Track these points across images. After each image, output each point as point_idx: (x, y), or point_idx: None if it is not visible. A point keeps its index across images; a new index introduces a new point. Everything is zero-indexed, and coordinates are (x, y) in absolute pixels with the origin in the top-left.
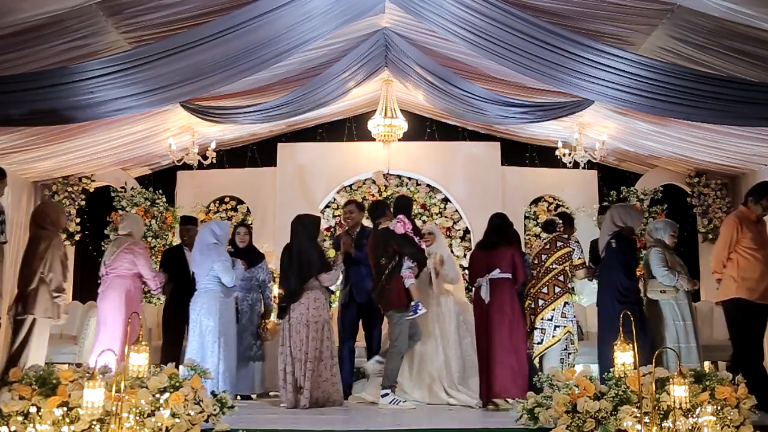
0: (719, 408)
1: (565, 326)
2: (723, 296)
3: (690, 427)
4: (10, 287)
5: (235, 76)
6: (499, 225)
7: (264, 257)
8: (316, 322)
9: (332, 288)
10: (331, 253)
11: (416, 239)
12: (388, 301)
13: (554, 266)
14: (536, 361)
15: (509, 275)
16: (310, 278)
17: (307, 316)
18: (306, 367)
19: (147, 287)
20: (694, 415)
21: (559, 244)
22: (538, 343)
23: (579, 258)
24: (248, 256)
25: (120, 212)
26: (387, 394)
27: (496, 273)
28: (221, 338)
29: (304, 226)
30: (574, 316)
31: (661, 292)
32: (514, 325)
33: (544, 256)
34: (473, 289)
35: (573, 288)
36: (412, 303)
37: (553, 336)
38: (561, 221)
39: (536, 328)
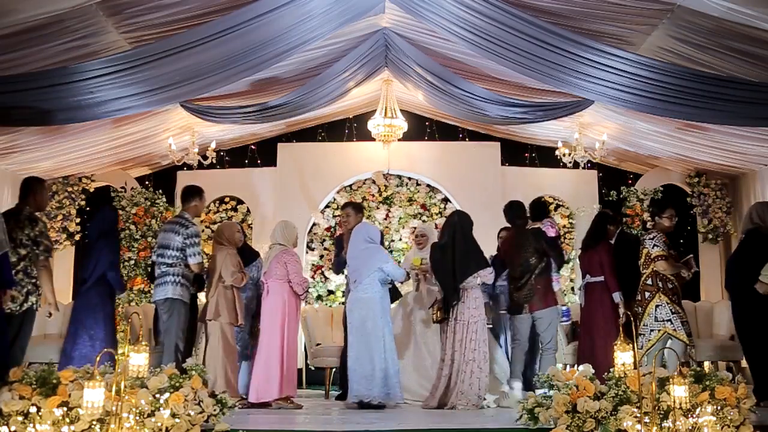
0: (719, 408)
1: (660, 329)
2: None
3: (690, 427)
4: None
5: (235, 76)
6: (595, 224)
7: (258, 255)
8: (475, 322)
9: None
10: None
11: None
12: (541, 299)
13: (643, 271)
14: None
15: (600, 278)
16: (470, 275)
17: (467, 316)
18: (461, 368)
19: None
20: (694, 415)
21: (639, 247)
22: (639, 349)
23: (656, 250)
24: (242, 255)
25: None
26: None
27: (587, 278)
28: (388, 339)
29: (461, 222)
30: (672, 313)
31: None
32: (600, 330)
33: (639, 261)
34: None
35: (669, 286)
36: (563, 307)
37: (649, 341)
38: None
39: (640, 334)
